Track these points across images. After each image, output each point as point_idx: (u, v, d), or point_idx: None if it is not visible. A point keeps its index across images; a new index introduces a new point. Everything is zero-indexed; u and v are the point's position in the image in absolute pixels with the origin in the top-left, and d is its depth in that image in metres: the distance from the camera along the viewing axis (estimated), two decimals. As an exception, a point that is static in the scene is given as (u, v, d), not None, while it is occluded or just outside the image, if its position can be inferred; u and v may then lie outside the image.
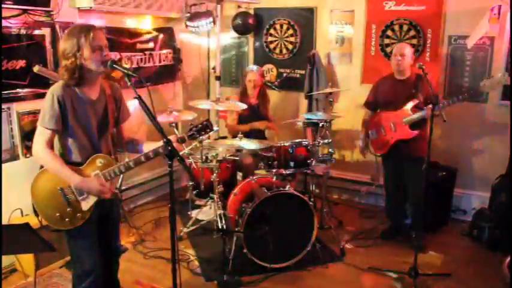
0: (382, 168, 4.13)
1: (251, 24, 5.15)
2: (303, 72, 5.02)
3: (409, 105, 3.69)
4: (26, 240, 2.10)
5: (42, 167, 2.34)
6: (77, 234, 2.38)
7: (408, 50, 3.71)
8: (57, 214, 2.31)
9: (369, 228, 4.27)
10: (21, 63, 3.40)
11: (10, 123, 3.42)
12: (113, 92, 2.48)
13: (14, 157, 3.46)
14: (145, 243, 3.96)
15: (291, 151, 3.70)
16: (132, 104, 2.69)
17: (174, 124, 3.87)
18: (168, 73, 5.07)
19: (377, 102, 3.96)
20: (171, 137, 2.31)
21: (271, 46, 5.26)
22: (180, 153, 2.24)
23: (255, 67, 4.53)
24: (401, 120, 3.71)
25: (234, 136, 4.00)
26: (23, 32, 3.41)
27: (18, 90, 3.40)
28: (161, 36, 4.89)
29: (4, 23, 3.24)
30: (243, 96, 4.42)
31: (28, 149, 3.50)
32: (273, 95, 4.90)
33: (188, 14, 4.82)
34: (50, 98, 2.24)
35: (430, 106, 3.38)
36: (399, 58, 3.68)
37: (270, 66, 5.28)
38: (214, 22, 4.83)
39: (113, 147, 2.49)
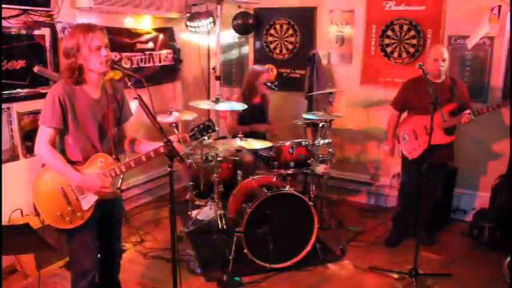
0: (401, 172, 3.98)
1: (251, 24, 5.15)
2: (303, 72, 5.03)
3: (446, 110, 3.54)
4: (26, 240, 2.10)
5: (43, 165, 2.35)
6: (76, 234, 2.38)
7: (447, 54, 3.59)
8: (58, 213, 2.31)
9: (369, 228, 4.27)
10: (21, 63, 3.40)
11: (10, 123, 3.41)
12: (115, 92, 2.49)
13: (14, 157, 3.45)
14: (145, 243, 3.95)
15: (291, 151, 3.69)
16: (132, 104, 2.69)
17: (174, 124, 3.87)
18: (168, 73, 5.07)
19: (406, 104, 3.82)
20: (173, 137, 2.31)
21: (271, 46, 5.26)
22: (181, 153, 2.24)
23: (265, 67, 4.47)
24: (436, 124, 3.44)
25: (234, 136, 3.99)
26: (23, 32, 3.41)
27: (18, 90, 3.40)
28: (161, 36, 4.88)
29: (4, 23, 3.24)
30: (249, 96, 4.31)
31: (28, 150, 3.50)
32: (273, 95, 4.90)
33: (188, 14, 4.83)
34: (51, 96, 2.26)
35: (468, 112, 3.43)
36: (442, 64, 3.54)
37: (270, 66, 5.27)
38: (214, 22, 4.84)
39: (114, 147, 2.49)
